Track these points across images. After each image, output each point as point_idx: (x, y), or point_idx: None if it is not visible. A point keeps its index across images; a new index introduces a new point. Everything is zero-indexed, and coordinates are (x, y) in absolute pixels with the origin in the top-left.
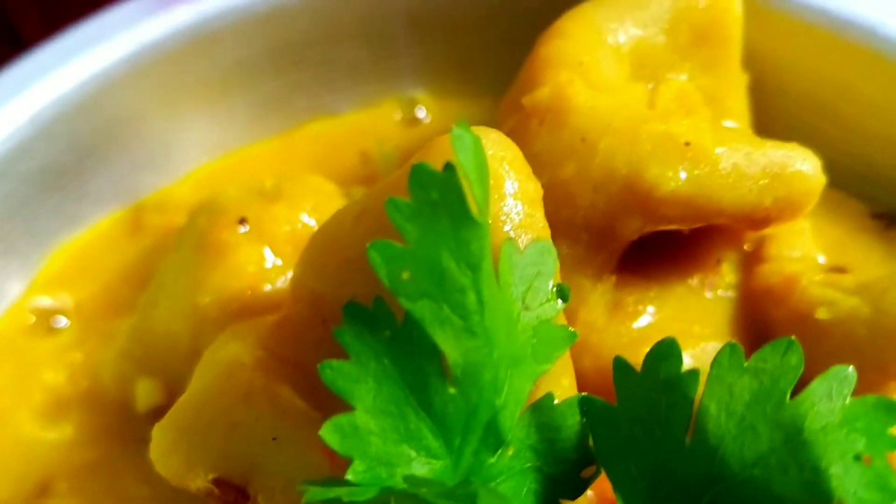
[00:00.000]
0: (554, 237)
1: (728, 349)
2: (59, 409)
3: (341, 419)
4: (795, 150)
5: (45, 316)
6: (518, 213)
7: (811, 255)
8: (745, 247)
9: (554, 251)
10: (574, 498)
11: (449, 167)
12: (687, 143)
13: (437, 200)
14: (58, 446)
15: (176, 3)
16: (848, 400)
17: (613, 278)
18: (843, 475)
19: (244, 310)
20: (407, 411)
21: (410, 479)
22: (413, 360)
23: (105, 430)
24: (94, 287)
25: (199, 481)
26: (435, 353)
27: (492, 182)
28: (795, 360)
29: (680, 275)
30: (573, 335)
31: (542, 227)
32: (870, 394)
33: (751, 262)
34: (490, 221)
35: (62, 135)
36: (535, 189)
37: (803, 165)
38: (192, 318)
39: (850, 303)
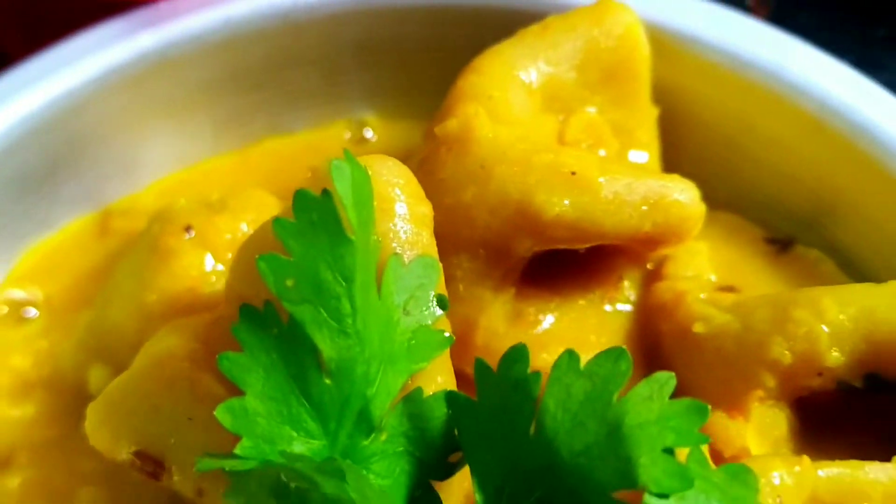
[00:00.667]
0: (455, 252)
1: (566, 355)
2: (23, 390)
3: (233, 402)
4: (675, 181)
5: (17, 307)
6: (405, 232)
7: (704, 274)
8: (648, 266)
9: (438, 266)
10: (442, 480)
11: (326, 193)
12: (573, 173)
13: (315, 221)
14: (21, 423)
15: (141, 29)
16: (665, 401)
17: (513, 290)
18: (650, 465)
19: (185, 308)
20: (290, 398)
21: (287, 454)
22: (296, 355)
23: (62, 411)
24: (63, 283)
25: (123, 454)
26: (314, 350)
27: (383, 204)
28: (625, 366)
29: (583, 289)
30: (449, 339)
31: (427, 245)
32: (725, 401)
33: (650, 279)
34: (379, 238)
35: (36, 146)
36: (424, 211)
37: (680, 195)
38: (139, 313)
39: (723, 319)
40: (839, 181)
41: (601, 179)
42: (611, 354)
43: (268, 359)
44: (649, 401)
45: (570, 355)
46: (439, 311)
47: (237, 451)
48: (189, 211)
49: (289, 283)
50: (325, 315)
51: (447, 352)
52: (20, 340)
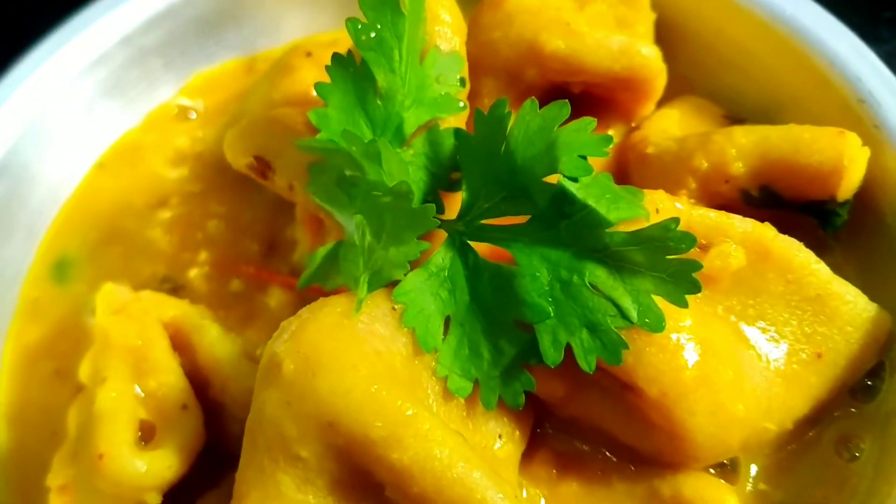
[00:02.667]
0: (484, 75)
1: (529, 103)
2: (181, 160)
3: (319, 110)
4: (644, 41)
5: (184, 110)
6: (445, 34)
7: (671, 130)
8: (633, 124)
9: (464, 61)
10: (447, 190)
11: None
12: (569, 24)
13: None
14: (176, 180)
15: None
16: (585, 131)
17: None
18: (568, 162)
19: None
20: (355, 110)
21: (347, 136)
22: (362, 84)
23: (205, 174)
24: (217, 99)
25: (247, 159)
26: (373, 81)
27: (433, 15)
28: (565, 111)
29: None
30: (464, 108)
31: (459, 48)
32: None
33: (632, 131)
34: (426, 36)
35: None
36: (461, 26)
37: (645, 49)
38: (265, 103)
39: (667, 144)
40: (785, 80)
41: (587, 30)
42: (556, 104)
43: (345, 86)
44: (575, 131)
45: (532, 103)
46: (462, 86)
47: (317, 139)
48: (311, 42)
49: (364, 37)
50: (384, 59)
51: (462, 115)
52: (183, 130)
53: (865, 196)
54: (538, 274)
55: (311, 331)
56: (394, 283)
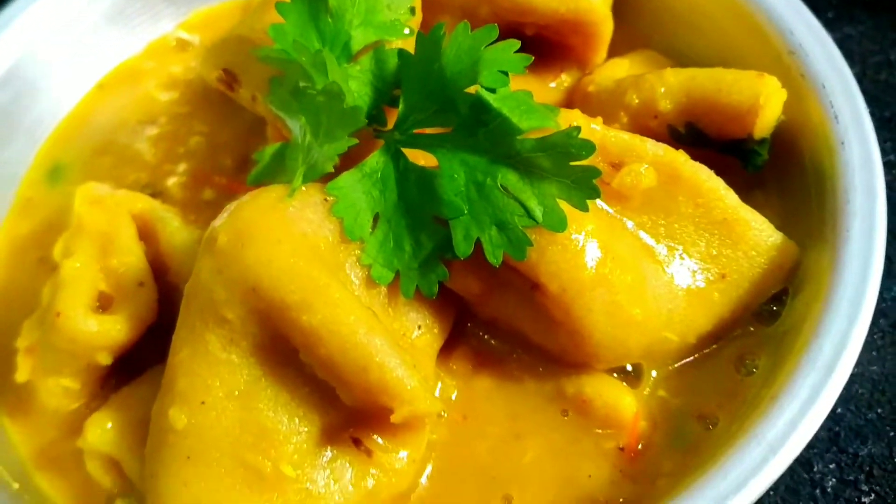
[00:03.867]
0: (441, 12)
1: (461, 26)
2: (173, 84)
3: (277, 26)
4: None
5: (182, 43)
6: None
7: (617, 76)
8: (587, 71)
9: None
10: (388, 105)
11: None
12: None
13: None
14: (168, 102)
15: None
16: (508, 50)
17: None
18: (488, 75)
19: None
20: (308, 26)
21: (298, 47)
22: (316, 2)
23: (193, 97)
24: (214, 34)
25: (216, 73)
26: (326, 2)
27: None
28: (494, 33)
29: (538, 71)
30: (410, 35)
31: None
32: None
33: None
34: None
35: None
36: None
37: None
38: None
39: (605, 83)
40: (730, 35)
41: None
42: (486, 28)
43: (301, 5)
44: (499, 50)
45: (464, 25)
46: (411, 15)
47: (273, 49)
48: None
49: None
50: None
51: (408, 41)
52: (178, 60)
53: (787, 140)
54: (456, 176)
55: (246, 210)
56: (327, 179)
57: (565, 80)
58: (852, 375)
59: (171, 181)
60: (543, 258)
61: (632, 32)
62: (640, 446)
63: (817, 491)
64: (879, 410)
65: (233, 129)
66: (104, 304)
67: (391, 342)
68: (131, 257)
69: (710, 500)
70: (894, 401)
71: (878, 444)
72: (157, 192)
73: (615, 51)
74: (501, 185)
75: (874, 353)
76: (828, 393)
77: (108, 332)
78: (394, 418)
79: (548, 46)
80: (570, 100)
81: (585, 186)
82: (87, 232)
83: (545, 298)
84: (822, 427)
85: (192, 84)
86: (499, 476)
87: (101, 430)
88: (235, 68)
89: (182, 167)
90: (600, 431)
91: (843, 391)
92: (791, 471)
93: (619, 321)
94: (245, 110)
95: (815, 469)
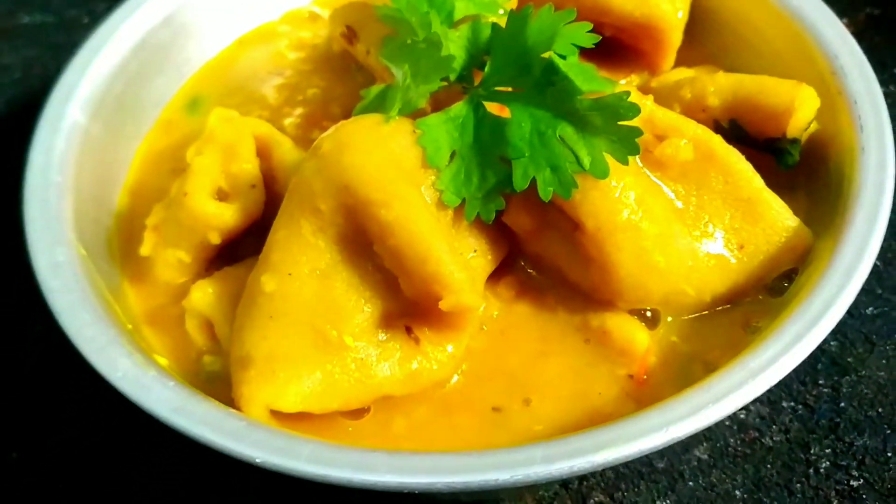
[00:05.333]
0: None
1: (547, 7)
2: (301, 47)
3: None
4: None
5: (314, 16)
6: None
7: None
8: (655, 75)
9: None
10: (479, 68)
11: None
12: None
13: None
14: (294, 60)
15: None
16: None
17: None
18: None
19: None
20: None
21: (410, 7)
22: None
23: (316, 60)
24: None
25: (340, 29)
26: None
27: None
28: (571, 15)
29: (611, 69)
30: (503, 14)
31: None
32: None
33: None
34: None
35: None
36: None
37: (664, 3)
38: None
39: (667, 80)
40: (784, 58)
41: None
42: (567, 11)
43: None
44: (574, 27)
45: (549, 7)
46: None
47: (390, 7)
48: None
49: None
50: None
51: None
52: (309, 28)
53: (818, 147)
54: (524, 125)
55: (349, 126)
56: (419, 115)
57: (634, 80)
58: (860, 377)
59: (288, 121)
60: (585, 199)
61: (701, 51)
62: (645, 376)
63: (811, 470)
64: (880, 410)
65: (345, 86)
66: (221, 198)
67: (449, 245)
68: (248, 165)
69: (689, 406)
70: (895, 404)
71: (874, 438)
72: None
73: (685, 65)
74: (560, 136)
75: (884, 361)
76: (808, 340)
77: (222, 216)
78: (442, 304)
79: (623, 49)
80: None
81: (628, 143)
82: (216, 141)
83: (583, 236)
84: (824, 416)
85: (318, 48)
86: (523, 383)
87: (203, 294)
88: (356, 25)
89: (298, 111)
90: (615, 360)
91: (848, 389)
92: (789, 450)
93: (643, 264)
94: (357, 73)
95: (812, 451)
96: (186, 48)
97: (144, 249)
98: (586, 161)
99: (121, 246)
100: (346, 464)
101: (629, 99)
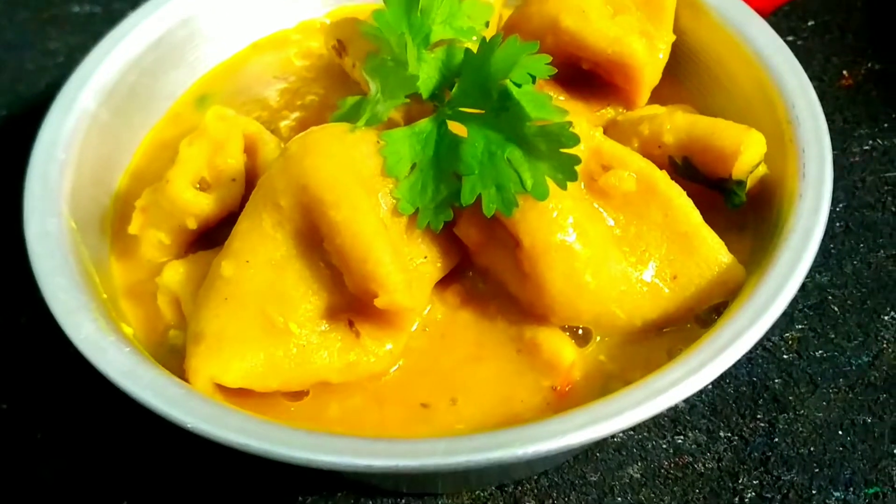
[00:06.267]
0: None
1: (512, 38)
2: (309, 56)
3: (379, 11)
4: (641, 40)
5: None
6: None
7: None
8: (630, 109)
9: (492, 9)
10: (448, 88)
11: None
12: (583, 10)
13: None
14: (300, 67)
15: None
16: (539, 61)
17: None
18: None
19: None
20: (403, 16)
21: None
22: (412, 1)
23: (320, 69)
24: None
25: (333, 41)
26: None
27: None
28: (534, 47)
29: (586, 100)
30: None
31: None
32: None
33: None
34: None
35: None
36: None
37: (636, 44)
38: None
39: (630, 116)
40: (753, 103)
41: (595, 19)
42: (531, 43)
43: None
44: (534, 59)
45: (515, 38)
46: (485, 28)
47: (373, 26)
48: None
49: None
50: None
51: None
52: (318, 38)
53: (766, 194)
54: (477, 144)
55: (316, 133)
56: (391, 126)
57: (608, 112)
58: (797, 415)
59: (284, 123)
60: (524, 218)
61: (679, 90)
62: (567, 389)
63: (736, 499)
64: (812, 448)
65: (340, 95)
66: (203, 188)
67: (393, 248)
68: (232, 160)
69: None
70: (828, 444)
71: (801, 475)
72: (271, 129)
73: (662, 102)
74: (507, 158)
75: (824, 403)
76: (724, 358)
77: (199, 204)
78: (377, 302)
79: (600, 82)
80: (605, 127)
81: (567, 169)
82: (207, 135)
83: (521, 253)
84: (757, 449)
85: (323, 58)
86: (453, 383)
87: (175, 273)
88: (345, 40)
89: (295, 115)
90: (541, 370)
91: (784, 426)
92: (719, 478)
93: (573, 283)
94: (353, 86)
95: (740, 481)
96: (201, 48)
97: (132, 228)
98: (529, 182)
99: (114, 224)
100: (265, 437)
101: (574, 129)
